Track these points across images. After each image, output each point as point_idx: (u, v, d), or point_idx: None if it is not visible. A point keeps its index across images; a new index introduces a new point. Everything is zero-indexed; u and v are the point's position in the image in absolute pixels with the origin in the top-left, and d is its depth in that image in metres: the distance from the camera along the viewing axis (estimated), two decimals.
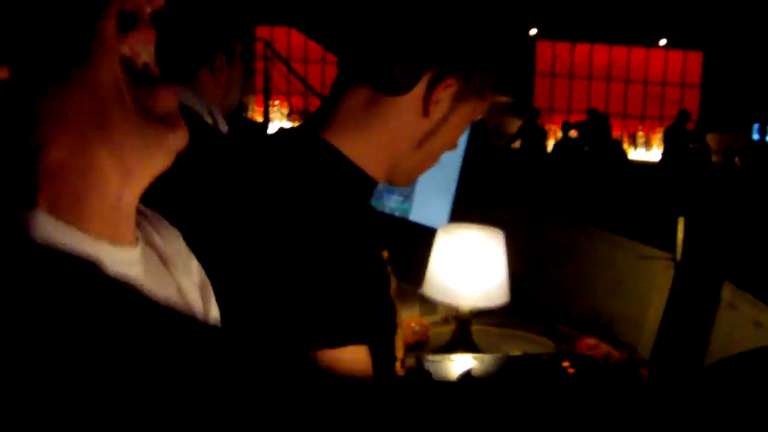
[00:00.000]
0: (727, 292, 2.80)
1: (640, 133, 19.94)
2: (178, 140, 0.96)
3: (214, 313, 1.25)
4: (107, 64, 0.89)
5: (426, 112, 1.56)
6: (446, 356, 2.70)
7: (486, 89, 1.60)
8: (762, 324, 2.67)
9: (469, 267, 2.85)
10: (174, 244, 1.20)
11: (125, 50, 0.92)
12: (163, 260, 1.14)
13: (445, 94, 1.55)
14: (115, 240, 0.96)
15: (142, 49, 0.94)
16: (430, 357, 2.68)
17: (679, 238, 2.90)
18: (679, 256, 2.91)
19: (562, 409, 2.35)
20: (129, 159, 0.93)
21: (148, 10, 0.95)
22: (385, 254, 1.65)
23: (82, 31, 0.87)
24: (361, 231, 1.51)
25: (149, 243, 1.13)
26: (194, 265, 1.24)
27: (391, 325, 1.60)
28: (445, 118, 1.59)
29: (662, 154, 13.64)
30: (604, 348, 2.94)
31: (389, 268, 1.65)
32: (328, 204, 1.45)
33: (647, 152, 19.01)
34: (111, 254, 0.94)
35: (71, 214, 0.90)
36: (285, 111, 17.73)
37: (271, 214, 1.41)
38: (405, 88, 1.53)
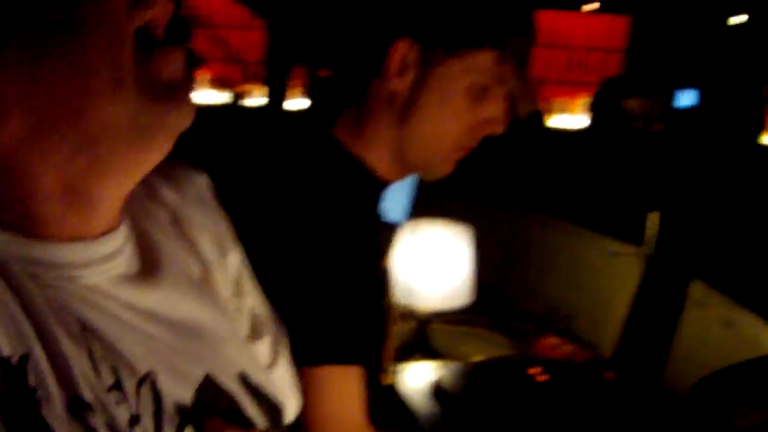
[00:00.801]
0: (697, 289, 2.72)
1: (559, 100, 19.95)
2: (181, 118, 0.78)
3: (237, 263, 1.09)
4: (116, 45, 0.73)
5: (390, 84, 1.43)
6: (407, 364, 2.58)
7: (466, 48, 1.43)
8: (732, 323, 2.59)
9: (433, 266, 2.73)
10: (193, 191, 1.04)
11: (139, 22, 0.75)
12: (177, 219, 0.99)
13: (409, 60, 1.41)
14: (81, 235, 0.80)
15: (161, 17, 0.77)
16: (391, 367, 2.55)
17: (650, 232, 2.82)
18: (649, 250, 2.82)
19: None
20: (111, 152, 0.76)
21: None
22: (386, 261, 1.56)
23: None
24: (366, 239, 1.43)
25: (158, 201, 0.97)
26: (218, 216, 1.07)
27: (382, 338, 1.54)
28: (418, 87, 1.44)
29: (591, 121, 13.63)
30: (567, 348, 2.86)
31: (389, 276, 1.57)
32: (333, 211, 1.37)
33: (568, 118, 19.03)
34: (73, 253, 0.79)
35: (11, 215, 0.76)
36: (206, 78, 17.41)
37: (278, 220, 1.33)
38: (361, 65, 1.45)
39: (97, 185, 0.78)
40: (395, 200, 2.89)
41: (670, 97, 16.19)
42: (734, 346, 2.53)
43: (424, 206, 3.01)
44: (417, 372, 2.52)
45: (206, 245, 1.01)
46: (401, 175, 1.54)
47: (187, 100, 0.78)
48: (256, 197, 1.35)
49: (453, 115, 1.47)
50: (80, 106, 0.72)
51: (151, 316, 0.85)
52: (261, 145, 1.52)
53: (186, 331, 0.89)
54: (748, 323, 2.52)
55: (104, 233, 0.82)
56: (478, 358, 2.71)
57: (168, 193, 0.99)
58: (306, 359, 1.26)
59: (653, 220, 2.83)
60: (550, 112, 18.60)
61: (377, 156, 1.48)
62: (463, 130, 1.49)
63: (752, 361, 2.24)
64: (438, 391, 2.38)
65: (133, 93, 0.73)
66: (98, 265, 0.81)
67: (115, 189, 0.81)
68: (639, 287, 2.84)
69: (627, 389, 2.53)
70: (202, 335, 0.91)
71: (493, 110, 1.49)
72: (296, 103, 11.31)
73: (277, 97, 11.27)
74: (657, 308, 2.80)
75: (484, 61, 1.44)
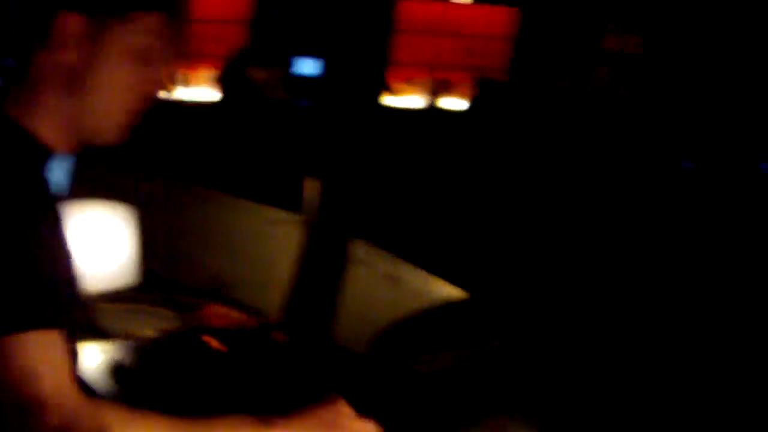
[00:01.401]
0: (360, 249, 2.81)
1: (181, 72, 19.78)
2: None
3: None
4: None
5: (56, 56, 1.44)
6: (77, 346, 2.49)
7: (134, 11, 1.46)
8: (397, 278, 2.70)
9: (95, 246, 2.64)
10: None
11: None
12: None
13: (75, 30, 1.42)
14: None
15: None
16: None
17: (308, 197, 2.86)
18: (308, 216, 2.87)
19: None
20: None
21: None
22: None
23: None
24: (38, 206, 1.40)
25: None
26: None
27: (76, 304, 1.48)
28: (87, 56, 1.45)
29: (222, 94, 13.65)
30: (235, 316, 2.87)
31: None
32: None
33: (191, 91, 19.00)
34: None
35: None
36: None
37: None
38: (25, 38, 1.45)
39: None
40: (59, 175, 2.79)
41: (290, 66, 16.64)
42: (401, 299, 2.64)
43: (80, 183, 2.91)
44: (90, 353, 2.43)
45: None
46: (76, 145, 1.53)
47: None
48: None
49: (122, 80, 1.49)
50: None
51: None
52: None
53: None
54: (413, 277, 2.64)
55: None
56: (148, 333, 2.67)
57: None
58: (6, 327, 1.24)
59: (311, 186, 2.89)
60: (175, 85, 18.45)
61: (49, 127, 1.47)
62: (131, 93, 1.50)
63: (425, 311, 2.35)
64: (117, 369, 2.32)
65: None
66: None
67: None
68: (301, 251, 2.88)
69: (301, 350, 2.58)
70: None
71: (155, 71, 1.52)
72: None
73: None
74: (320, 270, 2.86)
75: (151, 23, 1.47)
